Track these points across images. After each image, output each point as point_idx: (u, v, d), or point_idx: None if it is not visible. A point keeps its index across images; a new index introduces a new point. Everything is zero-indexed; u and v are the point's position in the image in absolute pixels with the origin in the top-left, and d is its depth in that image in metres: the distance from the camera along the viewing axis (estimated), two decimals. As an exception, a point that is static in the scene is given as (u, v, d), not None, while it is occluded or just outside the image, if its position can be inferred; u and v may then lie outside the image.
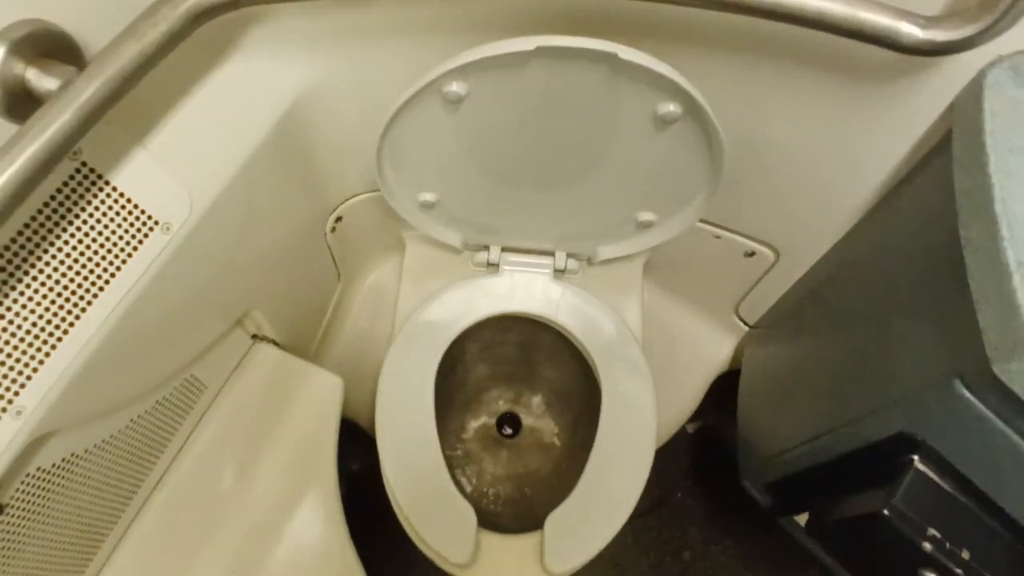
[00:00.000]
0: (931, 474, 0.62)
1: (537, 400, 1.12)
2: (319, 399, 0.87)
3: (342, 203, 0.95)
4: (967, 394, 0.54)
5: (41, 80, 0.47)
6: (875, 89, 0.62)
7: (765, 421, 0.94)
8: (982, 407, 0.53)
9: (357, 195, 0.94)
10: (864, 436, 0.68)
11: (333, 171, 0.87)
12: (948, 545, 0.60)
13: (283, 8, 0.62)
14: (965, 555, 0.60)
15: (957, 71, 0.58)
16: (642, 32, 0.63)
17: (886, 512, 0.61)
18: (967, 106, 0.57)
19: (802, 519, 0.86)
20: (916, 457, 0.63)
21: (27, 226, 0.52)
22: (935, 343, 0.59)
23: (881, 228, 0.74)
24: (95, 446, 0.65)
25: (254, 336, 0.89)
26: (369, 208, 0.97)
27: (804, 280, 0.92)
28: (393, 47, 0.69)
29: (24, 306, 0.52)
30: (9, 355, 0.52)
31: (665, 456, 1.27)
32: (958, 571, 0.60)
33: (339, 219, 0.96)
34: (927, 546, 0.60)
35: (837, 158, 0.72)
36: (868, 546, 0.67)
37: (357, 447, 1.15)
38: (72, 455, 0.62)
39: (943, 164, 0.62)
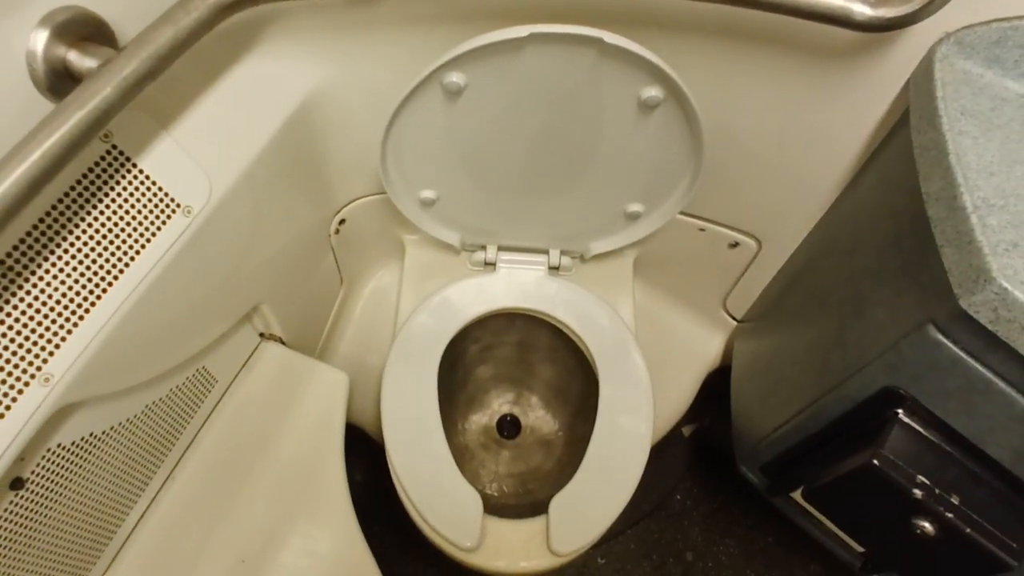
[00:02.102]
0: (916, 425, 0.66)
1: (536, 399, 1.14)
2: (325, 393, 0.90)
3: (345, 205, 0.99)
4: (940, 337, 0.58)
5: (82, 60, 0.51)
6: (838, 70, 0.69)
7: (756, 406, 0.97)
8: (955, 348, 0.58)
9: (360, 198, 0.99)
10: (850, 398, 0.71)
11: (337, 173, 0.92)
12: (937, 491, 0.63)
13: (295, 9, 0.68)
14: (955, 500, 0.63)
15: (910, 49, 0.64)
16: (624, 22, 0.69)
17: (875, 462, 0.64)
18: (921, 78, 0.64)
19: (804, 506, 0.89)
20: (900, 411, 0.66)
21: (60, 201, 0.55)
22: (907, 296, 0.63)
23: (852, 205, 0.80)
24: (112, 428, 0.67)
25: (261, 334, 0.91)
26: (371, 211, 1.01)
27: (786, 268, 0.97)
28: (396, 49, 0.75)
29: (56, 276, 0.55)
30: (40, 323, 0.54)
31: (663, 459, 1.29)
32: (949, 515, 0.62)
33: (342, 221, 1.01)
34: (917, 493, 0.63)
35: (808, 141, 0.78)
36: (862, 502, 0.70)
37: (361, 459, 1.16)
38: (91, 434, 0.64)
39: (903, 138, 0.68)
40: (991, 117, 0.61)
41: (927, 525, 0.64)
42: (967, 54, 0.63)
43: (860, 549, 0.85)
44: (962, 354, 0.57)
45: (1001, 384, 0.56)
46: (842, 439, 0.74)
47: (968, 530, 0.62)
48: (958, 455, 0.64)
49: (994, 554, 0.61)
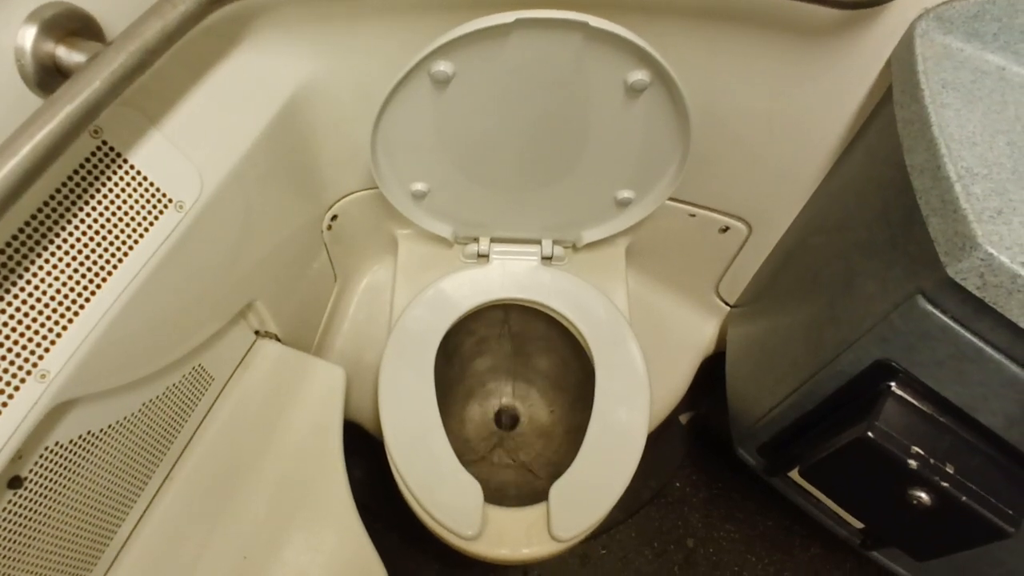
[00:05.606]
0: (909, 397, 0.67)
1: (533, 390, 1.15)
2: (322, 389, 0.90)
3: (337, 201, 0.99)
4: (929, 307, 0.59)
5: (71, 55, 0.51)
6: (821, 49, 0.70)
7: (752, 388, 0.98)
8: (944, 317, 0.58)
9: (351, 193, 0.99)
10: (843, 373, 0.72)
11: (328, 168, 0.92)
12: (932, 461, 0.64)
13: (282, 2, 0.68)
14: (950, 469, 0.64)
15: (891, 26, 0.66)
16: (609, 6, 0.69)
17: (870, 435, 0.65)
18: (902, 53, 0.65)
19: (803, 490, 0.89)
20: (893, 383, 0.67)
21: (52, 197, 0.55)
22: (896, 268, 0.64)
23: (840, 183, 0.81)
24: (110, 426, 0.67)
25: (257, 332, 0.92)
26: (363, 206, 1.01)
27: (777, 250, 0.98)
28: (383, 40, 0.75)
29: (49, 273, 0.55)
30: (35, 320, 0.54)
31: (661, 447, 1.30)
32: (944, 485, 0.63)
33: (335, 217, 1.01)
34: (912, 463, 0.64)
35: (795, 121, 0.79)
36: (858, 476, 0.71)
37: (359, 456, 1.17)
38: (88, 432, 0.64)
39: (887, 113, 0.68)
40: (972, 89, 0.62)
41: (923, 495, 0.64)
42: (947, 29, 0.64)
43: (859, 525, 0.86)
44: (951, 323, 0.58)
45: (990, 351, 0.57)
46: (837, 415, 0.75)
47: (964, 498, 0.62)
48: (951, 424, 0.65)
49: (991, 521, 0.62)
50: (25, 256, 0.54)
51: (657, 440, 1.25)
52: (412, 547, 1.19)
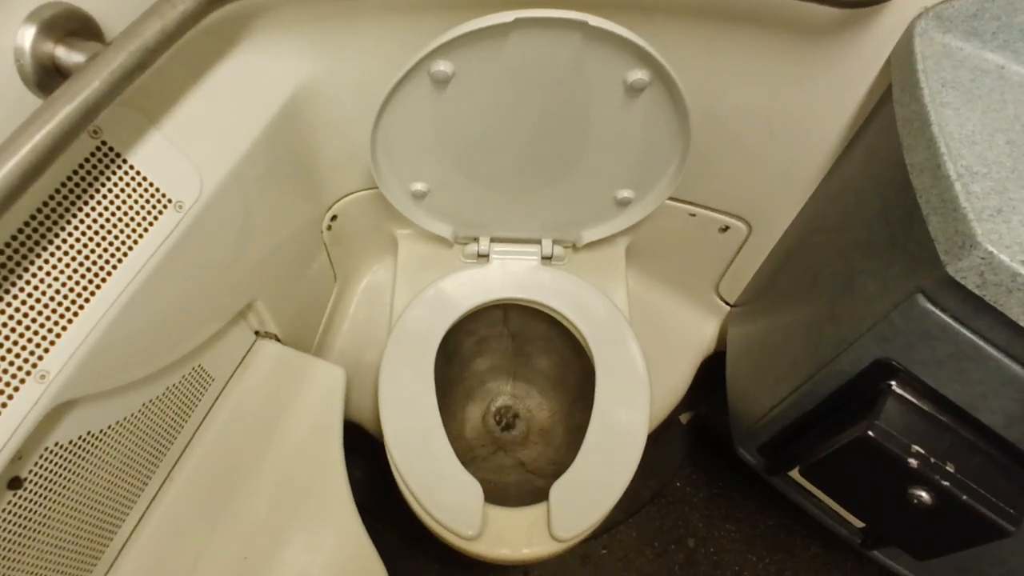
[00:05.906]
0: (909, 396, 0.67)
1: (533, 390, 1.15)
2: (323, 388, 0.90)
3: (337, 201, 1.00)
4: (929, 306, 0.59)
5: (70, 55, 0.51)
6: (821, 49, 0.70)
7: (752, 388, 0.98)
8: (944, 316, 0.58)
9: (351, 193, 0.99)
10: (844, 372, 0.72)
11: (328, 168, 0.92)
12: (933, 460, 0.64)
13: (281, 2, 0.68)
14: (950, 468, 0.64)
15: (891, 25, 0.66)
16: (608, 5, 0.70)
17: (871, 434, 0.65)
18: (902, 52, 0.65)
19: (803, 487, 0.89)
20: (893, 382, 0.67)
21: (51, 198, 0.55)
22: (895, 267, 0.64)
23: (840, 182, 0.81)
24: (110, 427, 0.67)
25: (257, 332, 0.92)
26: (363, 206, 1.01)
27: (777, 249, 0.98)
28: (383, 40, 0.75)
29: (49, 273, 0.55)
30: (34, 320, 0.54)
31: (661, 446, 1.30)
32: (945, 484, 0.63)
33: (334, 217, 1.01)
34: (913, 463, 0.64)
35: (795, 121, 0.79)
36: (858, 475, 0.71)
37: (359, 456, 1.17)
38: (88, 433, 0.64)
39: (887, 112, 0.68)
40: (971, 88, 0.62)
41: (924, 494, 0.64)
42: (946, 27, 0.64)
43: (859, 524, 0.86)
44: (951, 321, 0.58)
45: (990, 349, 0.57)
46: (837, 414, 0.75)
47: (964, 497, 0.62)
48: (952, 423, 0.65)
49: (991, 520, 0.62)
50: (25, 256, 0.54)
51: (657, 440, 1.25)
52: (412, 547, 1.18)
